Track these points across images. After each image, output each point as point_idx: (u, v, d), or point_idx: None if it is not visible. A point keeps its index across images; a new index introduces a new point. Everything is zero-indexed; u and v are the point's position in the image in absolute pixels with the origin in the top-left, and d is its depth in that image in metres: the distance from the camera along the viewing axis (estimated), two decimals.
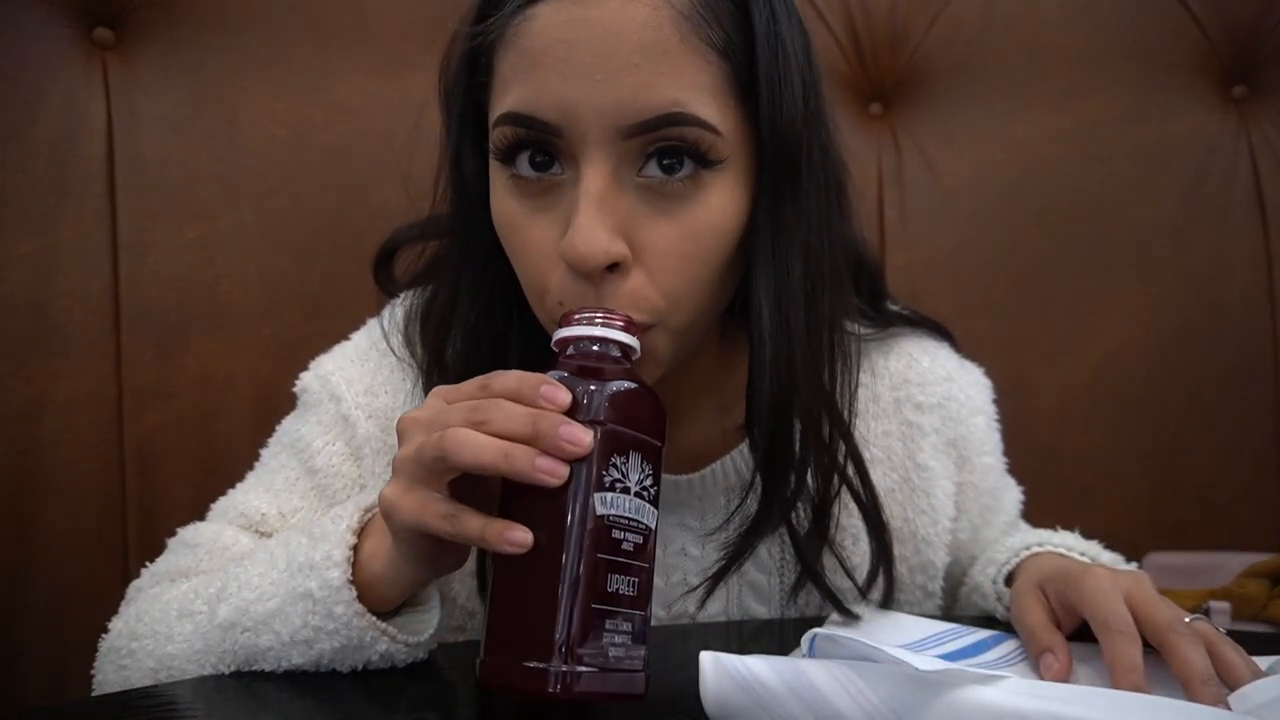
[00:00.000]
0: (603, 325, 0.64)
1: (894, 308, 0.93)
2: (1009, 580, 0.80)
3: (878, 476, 0.82)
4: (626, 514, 0.59)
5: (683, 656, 0.72)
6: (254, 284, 1.14)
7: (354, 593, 0.67)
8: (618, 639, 0.58)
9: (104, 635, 0.80)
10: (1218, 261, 1.37)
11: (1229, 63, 1.39)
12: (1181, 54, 1.38)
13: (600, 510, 0.58)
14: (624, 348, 0.64)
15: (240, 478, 1.12)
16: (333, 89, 1.18)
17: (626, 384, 0.62)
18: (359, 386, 0.84)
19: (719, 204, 0.68)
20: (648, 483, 0.61)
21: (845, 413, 0.76)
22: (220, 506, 0.88)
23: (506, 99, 0.67)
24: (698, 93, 0.66)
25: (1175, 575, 1.21)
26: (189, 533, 0.86)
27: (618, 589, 0.58)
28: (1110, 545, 0.90)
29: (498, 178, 0.71)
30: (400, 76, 1.20)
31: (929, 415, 0.87)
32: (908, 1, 1.36)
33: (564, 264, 0.66)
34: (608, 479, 0.59)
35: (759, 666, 0.60)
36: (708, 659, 0.61)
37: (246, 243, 1.14)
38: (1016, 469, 1.06)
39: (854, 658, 0.61)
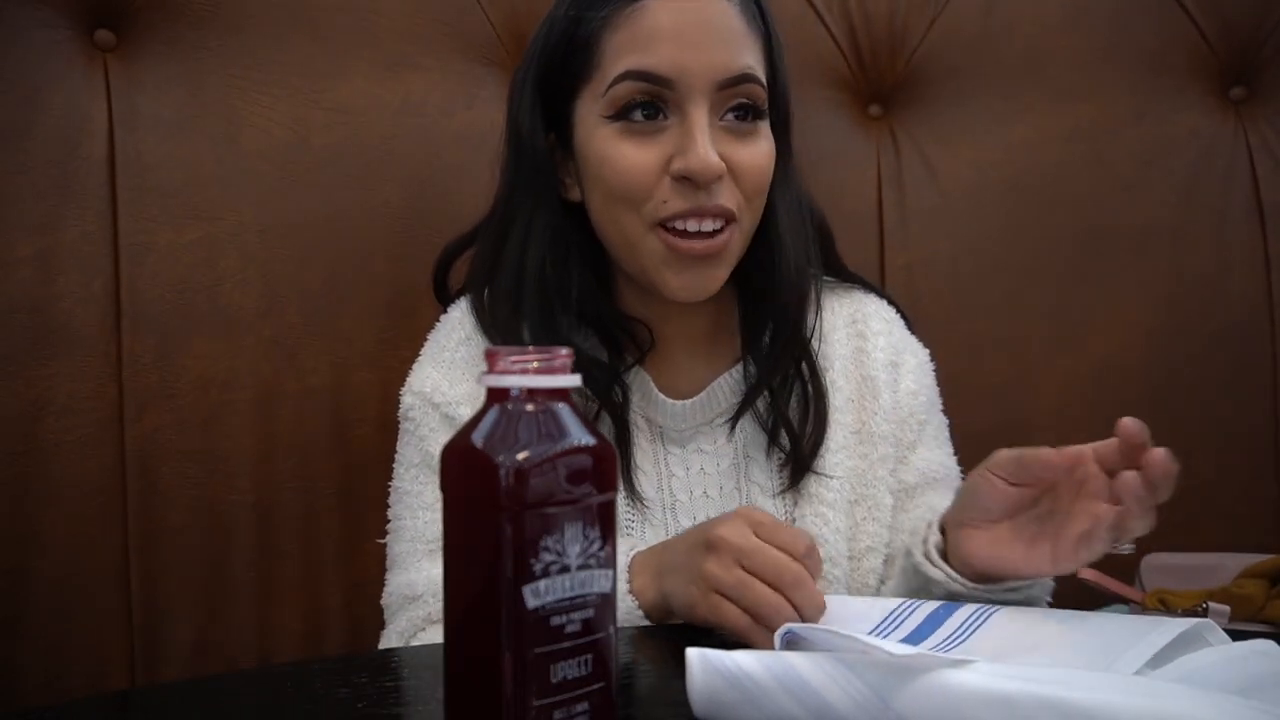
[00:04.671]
0: (538, 370, 0.57)
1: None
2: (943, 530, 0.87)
3: (839, 385, 1.05)
4: (567, 595, 0.55)
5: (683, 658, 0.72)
6: (254, 285, 1.14)
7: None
8: None
9: None
10: (1216, 262, 1.37)
11: (1227, 64, 1.39)
12: (1180, 56, 1.38)
13: (532, 604, 0.54)
14: (561, 393, 0.57)
15: (240, 477, 1.13)
16: (333, 90, 1.18)
17: (562, 444, 0.56)
18: (444, 385, 1.00)
19: (767, 142, 0.97)
20: (594, 547, 0.56)
21: (809, 313, 1.03)
22: (398, 553, 0.99)
23: (620, 64, 0.92)
24: (755, 61, 0.95)
25: (1174, 575, 1.21)
26: (394, 598, 0.98)
27: (564, 676, 0.55)
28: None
29: (602, 130, 0.94)
30: (400, 77, 1.21)
31: (872, 341, 1.07)
32: (907, 3, 1.36)
33: (669, 178, 0.92)
34: (538, 566, 0.54)
35: (747, 661, 0.60)
36: (694, 655, 0.61)
37: (247, 244, 1.14)
38: None
39: (827, 649, 0.61)
